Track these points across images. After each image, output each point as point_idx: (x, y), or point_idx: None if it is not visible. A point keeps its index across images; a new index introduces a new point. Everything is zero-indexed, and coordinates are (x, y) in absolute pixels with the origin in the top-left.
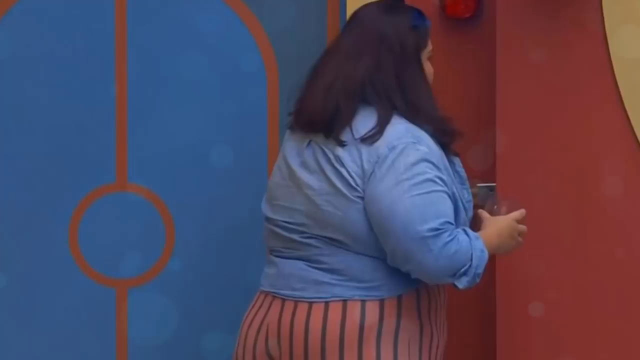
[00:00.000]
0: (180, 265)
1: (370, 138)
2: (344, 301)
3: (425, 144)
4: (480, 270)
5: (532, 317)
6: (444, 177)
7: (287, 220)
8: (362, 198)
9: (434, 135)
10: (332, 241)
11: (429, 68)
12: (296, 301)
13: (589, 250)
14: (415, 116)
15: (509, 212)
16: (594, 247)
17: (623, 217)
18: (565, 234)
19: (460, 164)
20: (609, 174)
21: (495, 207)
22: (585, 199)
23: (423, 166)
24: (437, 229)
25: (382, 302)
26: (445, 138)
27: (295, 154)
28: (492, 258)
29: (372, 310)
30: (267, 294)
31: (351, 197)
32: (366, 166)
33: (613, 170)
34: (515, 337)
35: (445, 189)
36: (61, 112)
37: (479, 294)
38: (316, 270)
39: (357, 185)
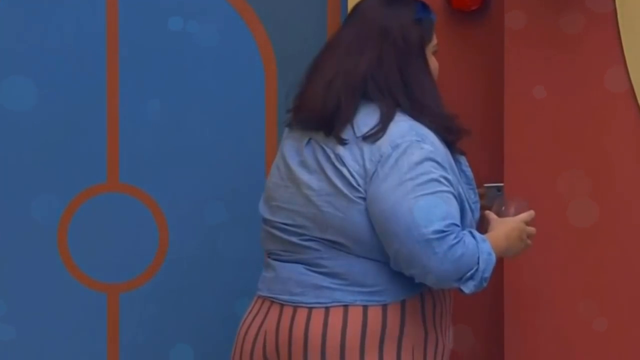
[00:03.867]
0: (173, 269)
1: (373, 136)
2: (345, 306)
3: (430, 142)
4: (488, 274)
5: (541, 323)
6: (450, 177)
7: (285, 222)
8: (364, 199)
9: (438, 133)
10: (332, 244)
11: (433, 63)
12: (295, 306)
13: (600, 253)
14: (419, 113)
15: (517, 213)
16: (606, 249)
17: (636, 218)
18: (576, 235)
19: (467, 163)
20: (621, 173)
21: (503, 208)
22: (596, 199)
23: (428, 165)
24: (442, 231)
25: (384, 307)
26: (450, 136)
27: (294, 153)
28: (500, 261)
29: (374, 315)
30: (264, 299)
31: (352, 197)
32: (368, 165)
33: (625, 170)
34: (524, 343)
35: (450, 189)
36: (50, 109)
37: (486, 299)
38: (316, 274)
39: (358, 185)
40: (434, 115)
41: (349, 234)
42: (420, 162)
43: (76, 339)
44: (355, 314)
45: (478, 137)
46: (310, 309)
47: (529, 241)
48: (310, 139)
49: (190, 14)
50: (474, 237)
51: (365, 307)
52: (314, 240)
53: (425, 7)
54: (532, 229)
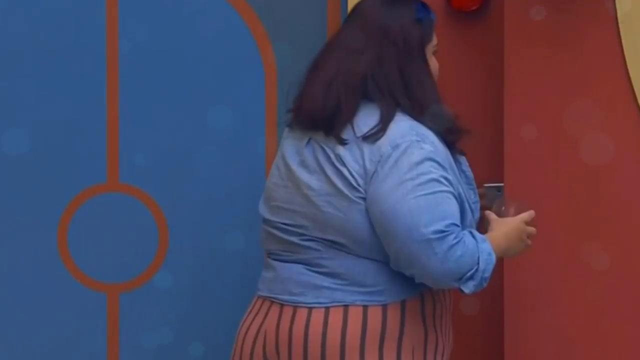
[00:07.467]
0: (173, 269)
1: (373, 136)
2: (345, 306)
3: (430, 142)
4: (488, 274)
5: (541, 323)
6: (450, 177)
7: (285, 222)
8: (364, 199)
9: (439, 133)
10: (332, 244)
11: (434, 63)
12: (295, 306)
13: (600, 253)
14: (419, 113)
15: (517, 213)
16: (606, 249)
17: (636, 218)
18: (576, 236)
19: (467, 163)
20: (621, 173)
21: (503, 208)
22: (596, 199)
23: (428, 165)
24: (443, 231)
25: (384, 307)
26: (450, 136)
27: (294, 153)
28: (500, 261)
29: (374, 315)
30: (264, 299)
31: (353, 197)
32: (368, 165)
33: (626, 169)
34: (524, 343)
35: (450, 189)
36: (50, 109)
37: (486, 299)
38: (316, 274)
39: (358, 185)
40: (434, 115)
41: (349, 234)
42: (421, 162)
43: (76, 339)
44: (355, 314)
45: (478, 137)
46: (310, 309)
47: (529, 241)
48: (310, 139)
49: (190, 13)
50: (474, 237)
51: (365, 307)
52: (314, 241)
53: (425, 7)
54: (532, 229)
